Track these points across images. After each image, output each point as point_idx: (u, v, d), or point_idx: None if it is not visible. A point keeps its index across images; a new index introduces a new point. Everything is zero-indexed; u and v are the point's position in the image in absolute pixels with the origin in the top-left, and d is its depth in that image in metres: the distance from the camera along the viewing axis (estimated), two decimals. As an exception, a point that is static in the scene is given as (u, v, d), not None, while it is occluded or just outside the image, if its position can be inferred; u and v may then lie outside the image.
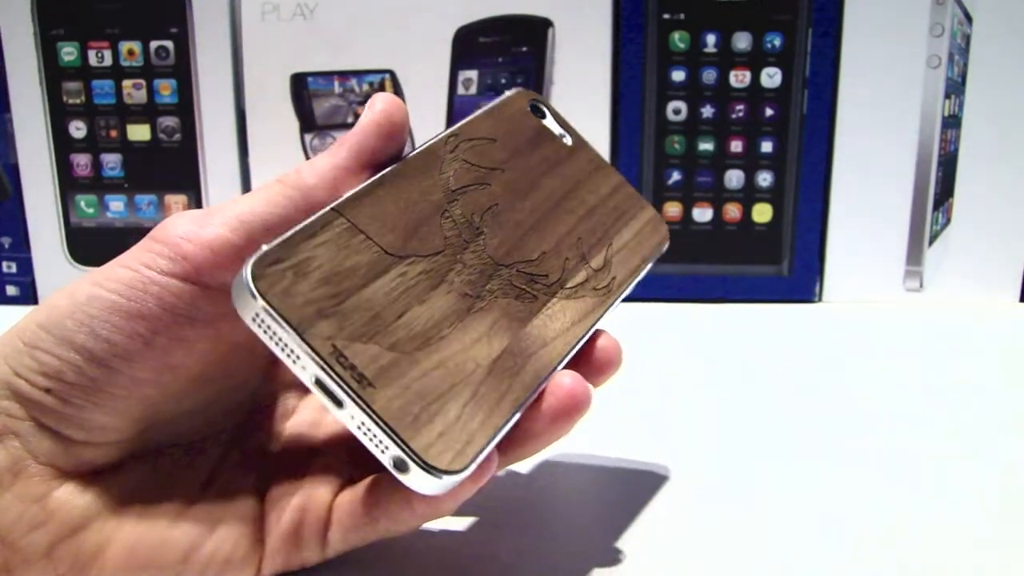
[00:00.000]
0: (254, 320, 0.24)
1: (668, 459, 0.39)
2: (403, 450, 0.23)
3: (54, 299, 0.26)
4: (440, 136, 0.30)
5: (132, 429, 0.26)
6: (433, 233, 0.28)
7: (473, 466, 0.24)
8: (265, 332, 0.24)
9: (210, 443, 0.29)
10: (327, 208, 0.26)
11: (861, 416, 0.43)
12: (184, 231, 0.26)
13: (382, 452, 0.24)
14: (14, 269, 0.64)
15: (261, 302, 0.24)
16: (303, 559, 0.28)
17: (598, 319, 0.30)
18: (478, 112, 0.32)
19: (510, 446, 0.28)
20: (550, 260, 0.30)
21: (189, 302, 0.25)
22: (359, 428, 0.24)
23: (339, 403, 0.24)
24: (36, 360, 0.25)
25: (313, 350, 0.24)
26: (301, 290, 0.24)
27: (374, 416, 0.24)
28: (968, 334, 0.57)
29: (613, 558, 0.31)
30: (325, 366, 0.24)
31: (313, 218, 0.26)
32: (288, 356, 0.24)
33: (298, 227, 0.26)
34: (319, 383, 0.24)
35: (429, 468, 0.24)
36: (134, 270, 0.25)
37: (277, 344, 0.24)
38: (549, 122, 0.34)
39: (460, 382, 0.26)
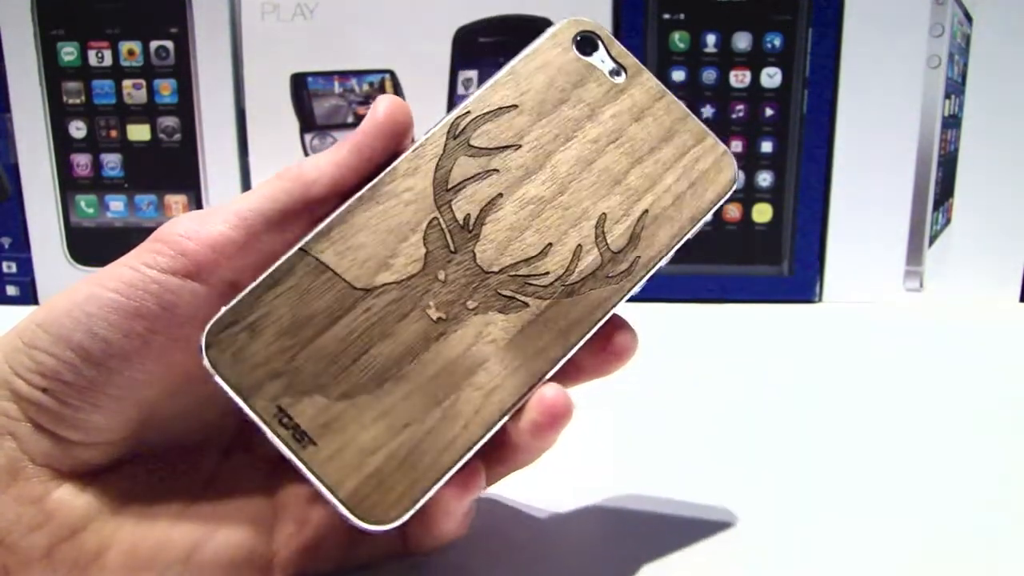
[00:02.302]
0: (215, 380, 0.25)
1: (667, 459, 0.39)
2: (340, 503, 0.25)
3: (55, 299, 0.26)
4: (446, 120, 0.28)
5: (128, 429, 0.26)
6: (412, 251, 0.27)
7: (409, 514, 0.25)
8: (224, 391, 0.25)
9: (209, 444, 0.29)
10: (295, 248, 0.26)
11: (861, 416, 0.43)
12: (185, 229, 0.26)
13: (327, 501, 0.25)
14: (14, 269, 0.64)
15: (211, 369, 0.25)
16: (321, 568, 0.29)
17: (605, 315, 0.28)
18: (504, 71, 0.29)
19: (495, 462, 0.28)
20: (556, 253, 0.27)
21: (188, 300, 0.25)
22: (305, 477, 0.25)
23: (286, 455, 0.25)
24: (33, 360, 0.25)
25: (256, 414, 0.25)
26: (252, 352, 0.25)
27: (312, 473, 0.25)
28: (968, 334, 0.57)
29: (613, 558, 0.31)
30: (267, 428, 0.25)
31: (280, 262, 0.26)
32: (243, 413, 0.25)
33: (262, 276, 0.26)
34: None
35: (363, 519, 0.25)
36: (134, 269, 0.25)
37: (234, 403, 0.25)
38: (598, 58, 0.29)
39: (411, 424, 0.26)
